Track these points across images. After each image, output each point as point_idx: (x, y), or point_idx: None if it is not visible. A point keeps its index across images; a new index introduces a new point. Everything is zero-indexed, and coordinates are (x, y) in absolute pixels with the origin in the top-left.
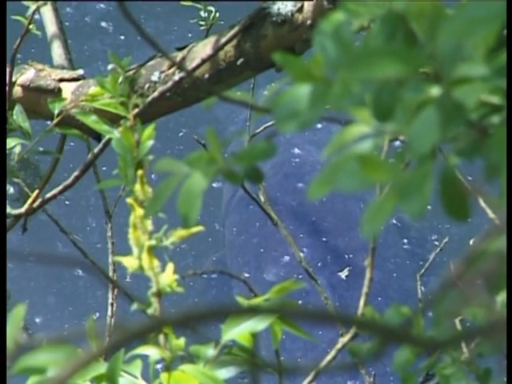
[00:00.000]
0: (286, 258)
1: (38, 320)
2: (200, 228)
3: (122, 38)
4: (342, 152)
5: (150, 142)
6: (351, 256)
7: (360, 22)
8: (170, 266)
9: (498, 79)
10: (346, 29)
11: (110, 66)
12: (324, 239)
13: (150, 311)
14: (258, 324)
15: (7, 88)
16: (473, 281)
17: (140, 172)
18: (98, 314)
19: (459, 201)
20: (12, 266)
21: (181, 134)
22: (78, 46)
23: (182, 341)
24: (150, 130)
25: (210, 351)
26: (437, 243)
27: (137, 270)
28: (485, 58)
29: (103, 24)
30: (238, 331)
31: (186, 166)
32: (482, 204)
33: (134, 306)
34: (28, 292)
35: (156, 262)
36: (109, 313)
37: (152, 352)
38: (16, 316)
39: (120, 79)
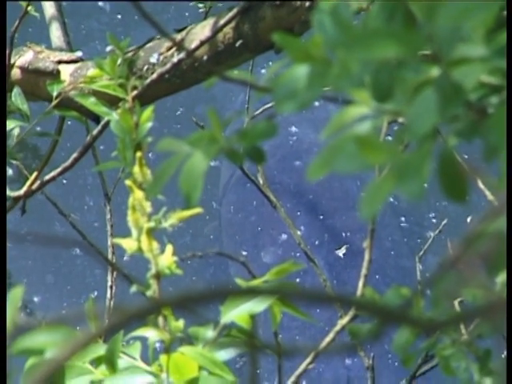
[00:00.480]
0: (284, 236)
1: (36, 299)
2: (199, 210)
3: (119, 17)
4: (340, 133)
5: (149, 124)
6: (348, 234)
7: (359, 3)
8: (169, 248)
9: (497, 60)
10: (345, 9)
11: (108, 48)
12: (321, 217)
13: (149, 293)
14: (257, 305)
15: (6, 70)
16: (472, 262)
17: (139, 154)
18: (96, 293)
19: (458, 181)
20: (10, 245)
21: (178, 112)
22: (75, 26)
23: (181, 323)
24: (148, 112)
25: (209, 333)
26: (434, 221)
27: (136, 252)
28: (484, 39)
29: (100, 3)
30: (237, 313)
31: (187, 145)
32: (481, 184)
33: (133, 288)
34: (26, 271)
35: (155, 244)
36: (108, 295)
37: (151, 334)
38: (14, 297)
39: (118, 61)
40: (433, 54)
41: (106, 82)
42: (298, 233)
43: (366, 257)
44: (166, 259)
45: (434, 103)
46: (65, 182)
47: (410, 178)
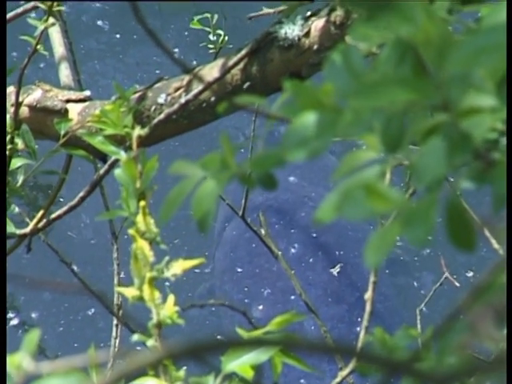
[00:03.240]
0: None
1: (34, 315)
2: (202, 260)
3: (118, 36)
4: (349, 176)
5: (153, 173)
6: (342, 253)
7: (369, 47)
8: (171, 298)
9: (505, 110)
10: (357, 55)
11: (113, 97)
12: (314, 235)
13: (149, 343)
14: (259, 356)
15: (14, 108)
16: (480, 313)
17: (142, 203)
18: (93, 310)
19: (465, 230)
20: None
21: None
22: (74, 45)
23: (181, 372)
24: (153, 161)
25: (210, 383)
26: (430, 238)
27: (137, 301)
28: (494, 88)
29: (99, 23)
30: (239, 363)
31: (199, 168)
32: (487, 233)
33: (135, 338)
34: (24, 287)
35: (157, 294)
36: (112, 345)
37: (152, 383)
38: (30, 340)
39: (123, 109)
40: (442, 101)
41: (111, 130)
42: (293, 250)
43: (368, 308)
44: (168, 309)
45: (442, 152)
46: (61, 200)
47: (416, 226)
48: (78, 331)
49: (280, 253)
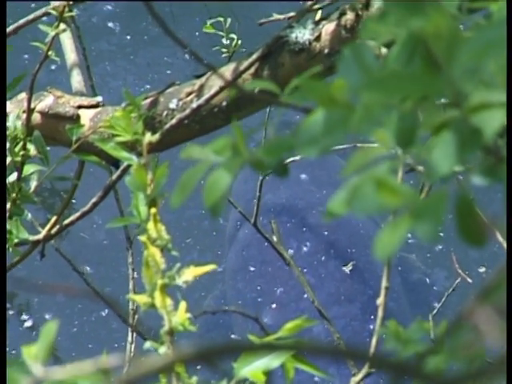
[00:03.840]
0: (290, 251)
1: (47, 316)
2: (213, 266)
3: (128, 37)
4: (360, 172)
5: (164, 180)
6: (353, 251)
7: (379, 44)
8: (183, 305)
9: None
10: (369, 52)
11: (123, 104)
12: (326, 233)
13: (161, 350)
14: (271, 361)
15: (26, 114)
16: (488, 315)
17: (153, 210)
18: (106, 311)
19: (475, 226)
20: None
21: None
22: (85, 47)
23: (193, 380)
24: (163, 168)
25: None
26: (442, 234)
27: (149, 308)
28: (504, 82)
29: (110, 24)
30: (252, 368)
31: (211, 153)
32: (499, 236)
33: (147, 345)
34: (36, 291)
35: (168, 301)
36: (127, 351)
37: None
38: (48, 332)
39: (134, 116)
40: (452, 96)
41: (121, 138)
42: (304, 249)
43: (380, 314)
44: (180, 316)
45: (453, 147)
46: (74, 201)
47: (426, 220)
48: (91, 332)
49: (292, 256)
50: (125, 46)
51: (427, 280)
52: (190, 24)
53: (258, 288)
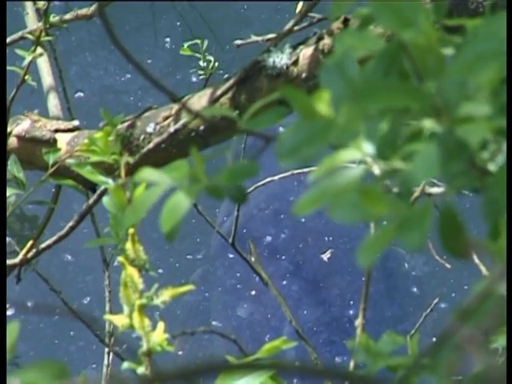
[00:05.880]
0: (268, 238)
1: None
2: (190, 287)
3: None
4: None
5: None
6: (331, 238)
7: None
8: (161, 325)
9: (499, 119)
10: (351, 64)
11: (101, 123)
12: (303, 220)
13: (140, 370)
14: (251, 381)
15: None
16: (471, 334)
17: (131, 230)
18: (89, 298)
19: (458, 238)
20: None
21: None
22: (66, 37)
23: None
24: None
25: None
26: None
27: (127, 329)
28: (489, 97)
29: None
30: None
31: (166, 176)
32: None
33: (125, 366)
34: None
35: (146, 321)
36: (104, 370)
37: None
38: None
39: (111, 137)
40: (437, 108)
41: (98, 157)
42: (282, 235)
43: (359, 332)
44: (158, 336)
45: (434, 157)
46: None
47: (411, 231)
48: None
49: (269, 280)
50: (105, 35)
51: (406, 265)
52: (171, 12)
53: (238, 275)
